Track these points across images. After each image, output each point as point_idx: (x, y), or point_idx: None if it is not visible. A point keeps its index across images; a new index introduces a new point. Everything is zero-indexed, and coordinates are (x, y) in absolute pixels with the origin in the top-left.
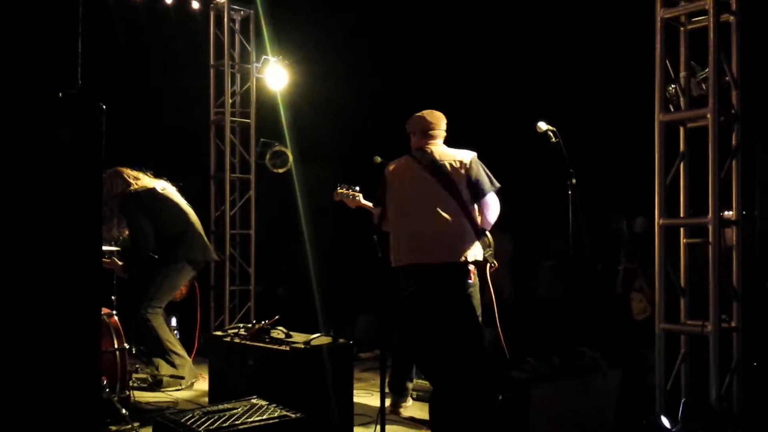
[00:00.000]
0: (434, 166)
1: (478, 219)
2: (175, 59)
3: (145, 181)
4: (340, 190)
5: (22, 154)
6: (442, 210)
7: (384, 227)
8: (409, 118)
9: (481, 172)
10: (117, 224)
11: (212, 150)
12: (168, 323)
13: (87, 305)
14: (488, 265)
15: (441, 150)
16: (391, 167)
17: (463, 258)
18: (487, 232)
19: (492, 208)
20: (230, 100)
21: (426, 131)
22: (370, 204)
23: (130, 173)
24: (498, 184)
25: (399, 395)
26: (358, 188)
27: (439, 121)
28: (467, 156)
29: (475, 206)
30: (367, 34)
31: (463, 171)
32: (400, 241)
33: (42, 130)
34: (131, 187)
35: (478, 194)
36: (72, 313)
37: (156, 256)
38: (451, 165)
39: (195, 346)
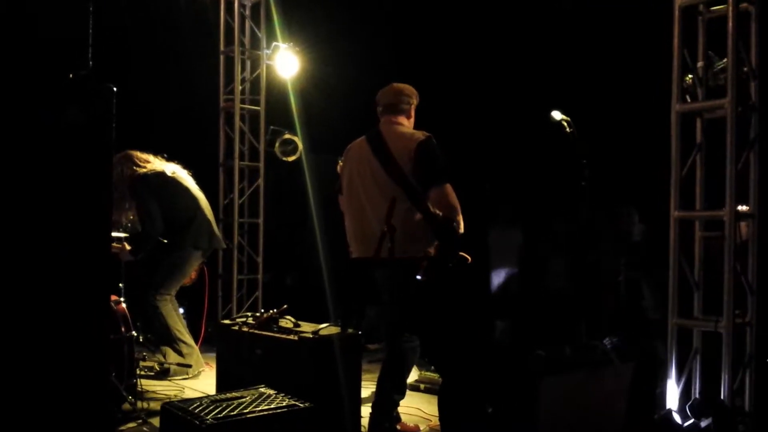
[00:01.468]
0: (382, 149)
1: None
2: (185, 45)
3: (155, 164)
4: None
5: (32, 136)
6: (386, 199)
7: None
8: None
9: (431, 158)
10: (126, 208)
11: (221, 137)
12: (177, 311)
13: (96, 292)
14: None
15: (393, 130)
16: (347, 149)
17: (409, 254)
18: (458, 222)
19: (441, 200)
20: (240, 87)
21: (386, 106)
22: None
23: (140, 156)
24: (448, 175)
25: None
26: None
27: (399, 96)
28: (415, 140)
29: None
30: (380, 20)
31: (410, 156)
32: (348, 231)
33: (52, 112)
34: (141, 170)
35: (425, 182)
36: (81, 301)
37: (165, 241)
38: (397, 149)
39: (201, 335)
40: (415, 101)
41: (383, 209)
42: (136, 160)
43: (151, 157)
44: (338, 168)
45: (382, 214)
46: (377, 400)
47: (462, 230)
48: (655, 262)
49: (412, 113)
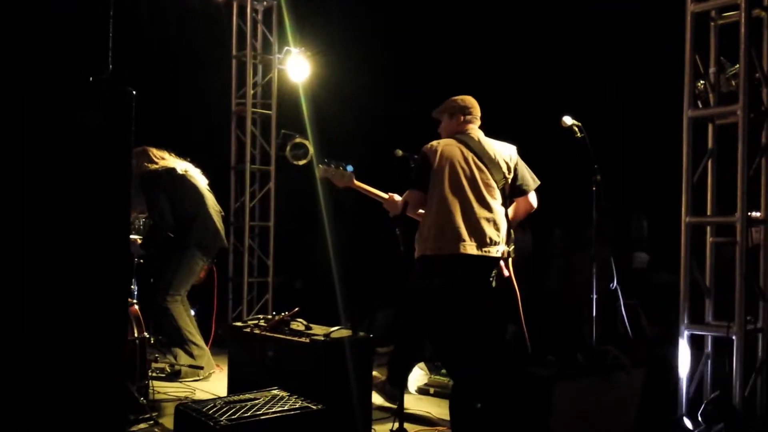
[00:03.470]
0: (487, 157)
1: (510, 214)
2: (197, 49)
3: (169, 161)
4: (325, 167)
5: (54, 139)
6: (494, 203)
7: (414, 213)
8: (443, 103)
9: (525, 169)
10: (137, 204)
11: (233, 141)
12: (188, 313)
13: (115, 293)
14: (510, 258)
15: (488, 140)
16: (437, 149)
17: (505, 252)
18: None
19: (531, 204)
20: (252, 91)
21: (465, 113)
22: (372, 189)
23: (156, 153)
24: (538, 181)
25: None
26: (350, 168)
27: (476, 107)
28: (514, 152)
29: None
30: (391, 24)
31: (512, 167)
32: (445, 228)
33: (73, 115)
34: (153, 166)
35: (519, 191)
36: (100, 302)
37: (172, 236)
38: (504, 161)
39: (211, 336)
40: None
41: (500, 215)
42: (151, 156)
43: (165, 154)
44: (323, 172)
45: (501, 220)
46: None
47: None
48: (652, 292)
49: None
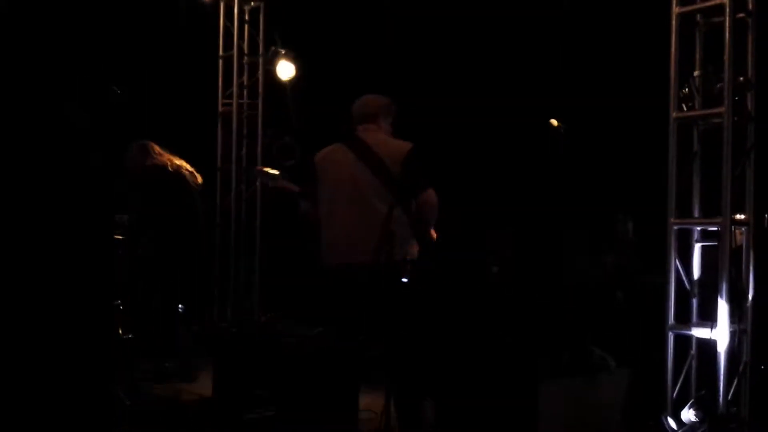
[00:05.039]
0: (368, 154)
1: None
2: (183, 49)
3: (164, 158)
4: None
5: (37, 137)
6: (378, 202)
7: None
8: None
9: (420, 164)
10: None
11: (219, 141)
12: (175, 313)
13: (100, 293)
14: (409, 263)
15: (377, 138)
16: (320, 155)
17: (398, 257)
18: (433, 231)
19: (429, 204)
20: (238, 91)
21: (360, 117)
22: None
23: (156, 150)
24: (432, 179)
25: None
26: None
27: (375, 108)
28: (404, 146)
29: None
30: (380, 25)
31: (399, 161)
32: (330, 238)
33: (58, 113)
34: (147, 163)
35: (415, 188)
36: (85, 302)
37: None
38: (387, 155)
39: (197, 337)
40: (391, 109)
41: (378, 215)
42: (151, 153)
43: (165, 153)
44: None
45: (378, 220)
46: None
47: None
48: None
49: (390, 122)
